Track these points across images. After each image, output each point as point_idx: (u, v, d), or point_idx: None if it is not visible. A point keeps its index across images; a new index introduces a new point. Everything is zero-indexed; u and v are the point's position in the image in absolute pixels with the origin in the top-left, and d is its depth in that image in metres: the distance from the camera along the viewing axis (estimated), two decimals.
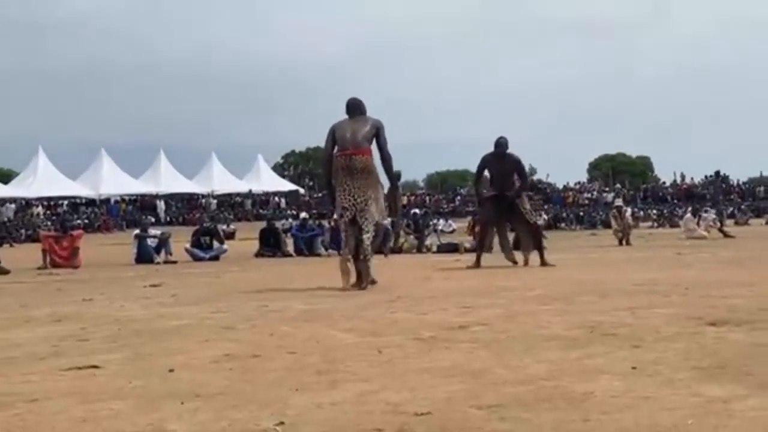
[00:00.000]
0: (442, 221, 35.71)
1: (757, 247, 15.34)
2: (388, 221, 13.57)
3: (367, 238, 7.99)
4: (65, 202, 52.26)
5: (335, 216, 8.44)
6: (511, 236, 12.18)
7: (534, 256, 11.14)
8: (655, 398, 2.79)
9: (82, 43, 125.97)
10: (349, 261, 8.04)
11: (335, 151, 8.15)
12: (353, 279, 7.95)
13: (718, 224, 23.40)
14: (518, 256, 11.27)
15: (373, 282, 8.02)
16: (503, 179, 11.02)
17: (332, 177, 8.20)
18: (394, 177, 8.75)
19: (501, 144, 10.90)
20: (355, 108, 8.26)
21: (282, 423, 2.58)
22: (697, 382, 3.02)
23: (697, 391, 2.87)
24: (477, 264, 10.89)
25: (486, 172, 11.43)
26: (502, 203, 11.08)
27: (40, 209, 48.09)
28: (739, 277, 7.86)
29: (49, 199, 50.83)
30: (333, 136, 8.18)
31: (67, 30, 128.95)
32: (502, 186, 11.04)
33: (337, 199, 8.11)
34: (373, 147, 8.19)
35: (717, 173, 30.21)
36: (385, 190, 8.52)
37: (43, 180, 50.42)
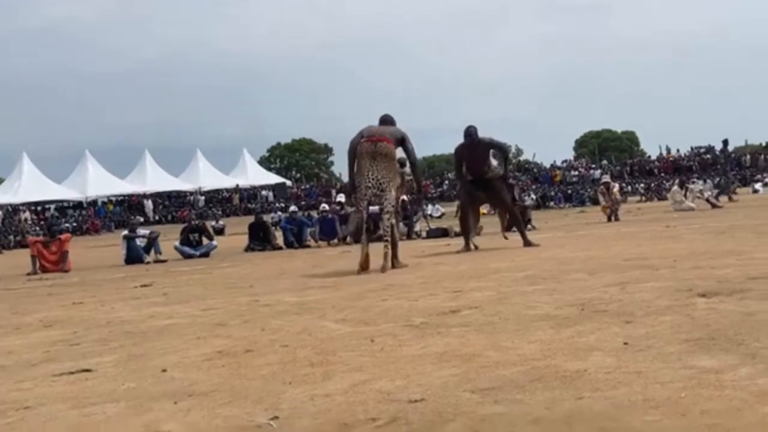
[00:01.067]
0: (430, 206, 35.73)
1: (743, 216, 15.39)
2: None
3: (387, 218, 8.74)
4: (52, 206, 52.04)
5: (354, 200, 9.19)
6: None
7: (517, 237, 11.31)
8: (647, 373, 2.79)
9: (63, 48, 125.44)
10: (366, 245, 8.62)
11: (362, 139, 8.95)
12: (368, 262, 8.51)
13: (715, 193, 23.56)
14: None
15: (391, 267, 8.55)
16: (479, 165, 11.11)
17: (356, 163, 8.97)
18: (418, 171, 9.93)
19: (470, 134, 11.00)
20: (386, 121, 9.29)
21: (276, 417, 2.58)
22: (689, 355, 3.03)
23: (689, 363, 2.88)
24: (467, 247, 10.95)
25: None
26: (480, 186, 11.17)
27: (27, 214, 47.85)
28: (728, 247, 7.88)
29: (36, 203, 50.61)
30: (361, 134, 9.02)
31: (47, 36, 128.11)
32: (479, 171, 11.13)
33: (360, 183, 8.80)
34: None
35: (725, 142, 29.93)
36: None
37: (28, 185, 50.17)
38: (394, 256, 8.93)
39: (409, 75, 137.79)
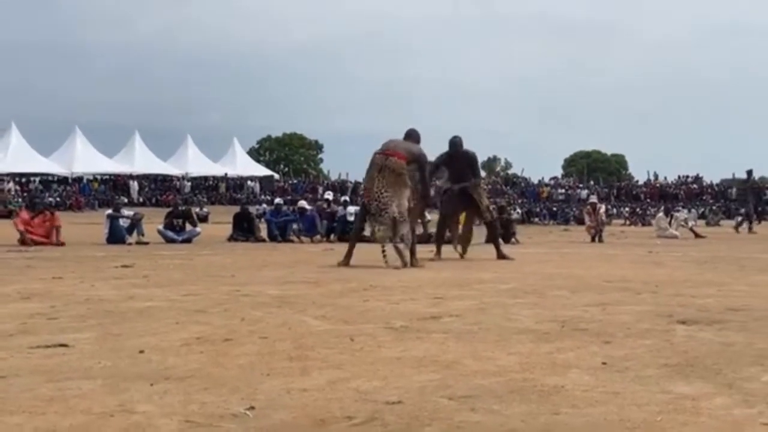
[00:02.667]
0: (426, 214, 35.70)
1: (726, 247, 15.48)
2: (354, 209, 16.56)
3: (384, 229, 9.22)
4: (37, 179, 51.69)
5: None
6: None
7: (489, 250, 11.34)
8: (624, 394, 2.80)
9: (58, 19, 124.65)
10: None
11: (378, 151, 9.45)
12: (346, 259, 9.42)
13: (693, 223, 23.65)
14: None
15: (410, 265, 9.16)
16: (459, 176, 11.17)
17: (367, 172, 9.51)
18: (426, 188, 10.23)
19: (455, 144, 11.14)
20: (411, 135, 9.90)
21: (252, 408, 2.57)
22: (667, 380, 3.04)
23: (666, 388, 2.89)
24: (438, 255, 10.97)
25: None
26: (461, 196, 11.20)
27: (11, 185, 47.53)
28: (709, 277, 7.93)
29: (20, 175, 50.24)
30: (381, 147, 9.54)
31: (44, 6, 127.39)
32: (459, 182, 11.18)
33: (369, 191, 9.40)
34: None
35: (749, 172, 29.70)
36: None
37: (15, 156, 49.77)
38: (413, 254, 9.47)
39: (407, 76, 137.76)
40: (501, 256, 11.03)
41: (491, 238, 11.81)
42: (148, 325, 4.36)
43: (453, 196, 11.29)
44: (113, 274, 7.91)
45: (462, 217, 12.08)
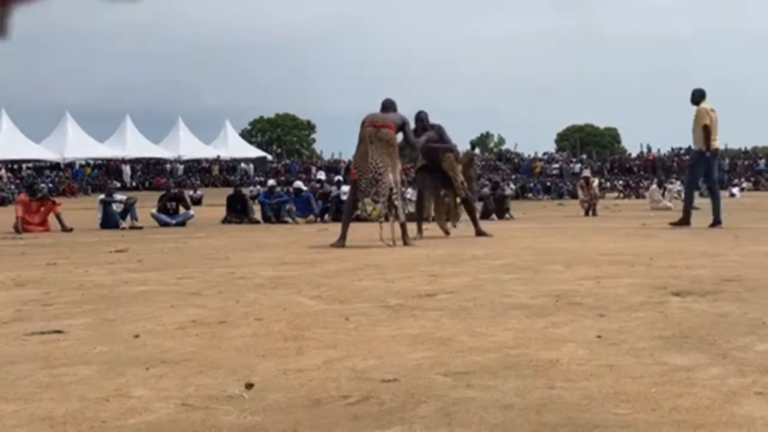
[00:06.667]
0: (409, 189, 35.72)
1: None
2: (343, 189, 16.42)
3: (382, 202, 9.38)
4: (29, 165, 51.52)
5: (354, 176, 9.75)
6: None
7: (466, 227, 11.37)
8: (619, 366, 2.81)
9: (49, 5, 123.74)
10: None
11: (365, 124, 9.43)
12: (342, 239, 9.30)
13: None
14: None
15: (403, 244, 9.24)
16: (429, 151, 10.98)
17: (358, 147, 9.47)
18: (416, 150, 10.72)
19: (421, 119, 10.94)
20: (389, 106, 9.76)
21: (251, 386, 2.58)
22: (661, 351, 3.05)
23: (661, 360, 2.90)
24: (419, 234, 10.84)
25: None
26: (435, 172, 11.11)
27: (3, 172, 47.37)
28: (703, 248, 7.94)
29: (12, 161, 50.07)
30: (364, 120, 9.50)
31: None
32: (430, 157, 11.05)
33: (361, 167, 9.33)
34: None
35: None
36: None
37: (6, 142, 49.55)
38: (405, 234, 9.49)
39: (399, 54, 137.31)
40: (479, 232, 11.00)
41: (469, 214, 11.72)
42: (143, 310, 4.35)
43: (427, 173, 11.21)
44: (107, 259, 7.90)
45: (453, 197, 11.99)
